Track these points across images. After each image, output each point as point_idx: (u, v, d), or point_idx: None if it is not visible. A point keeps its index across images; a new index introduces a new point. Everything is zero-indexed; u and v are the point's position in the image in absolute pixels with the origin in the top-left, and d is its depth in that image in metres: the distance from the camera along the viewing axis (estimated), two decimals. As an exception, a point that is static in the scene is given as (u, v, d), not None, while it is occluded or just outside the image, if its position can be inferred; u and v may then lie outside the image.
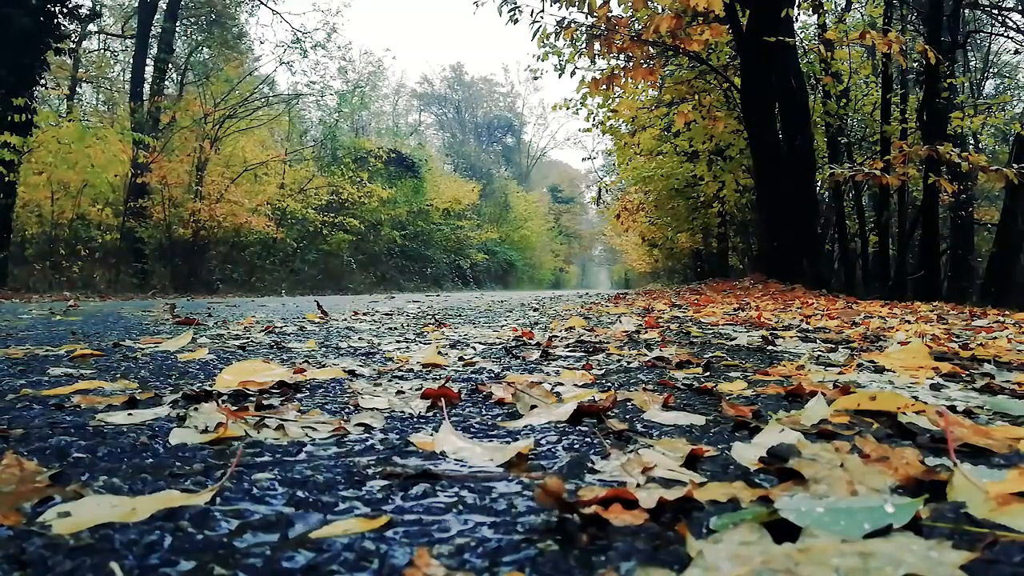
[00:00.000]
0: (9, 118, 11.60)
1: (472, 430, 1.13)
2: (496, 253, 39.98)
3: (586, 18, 9.15)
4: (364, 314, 5.17)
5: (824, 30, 11.94)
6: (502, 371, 1.88)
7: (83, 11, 14.21)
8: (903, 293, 11.49)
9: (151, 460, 0.92)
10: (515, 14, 9.52)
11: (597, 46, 9.11)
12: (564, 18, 9.12)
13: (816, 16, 12.92)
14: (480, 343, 2.73)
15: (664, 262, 29.91)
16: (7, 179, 12.03)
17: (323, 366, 1.94)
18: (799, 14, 13.01)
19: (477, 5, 11.68)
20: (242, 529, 0.66)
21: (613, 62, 10.04)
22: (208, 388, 1.47)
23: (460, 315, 5.22)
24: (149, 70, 20.60)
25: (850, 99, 13.85)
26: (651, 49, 10.05)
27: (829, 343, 2.66)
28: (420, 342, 2.76)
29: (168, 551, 0.60)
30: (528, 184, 57.03)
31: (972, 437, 0.97)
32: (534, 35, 9.43)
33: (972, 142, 18.12)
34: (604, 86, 9.74)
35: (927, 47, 8.76)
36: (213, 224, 19.11)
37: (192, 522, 0.67)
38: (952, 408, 1.25)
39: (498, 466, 0.88)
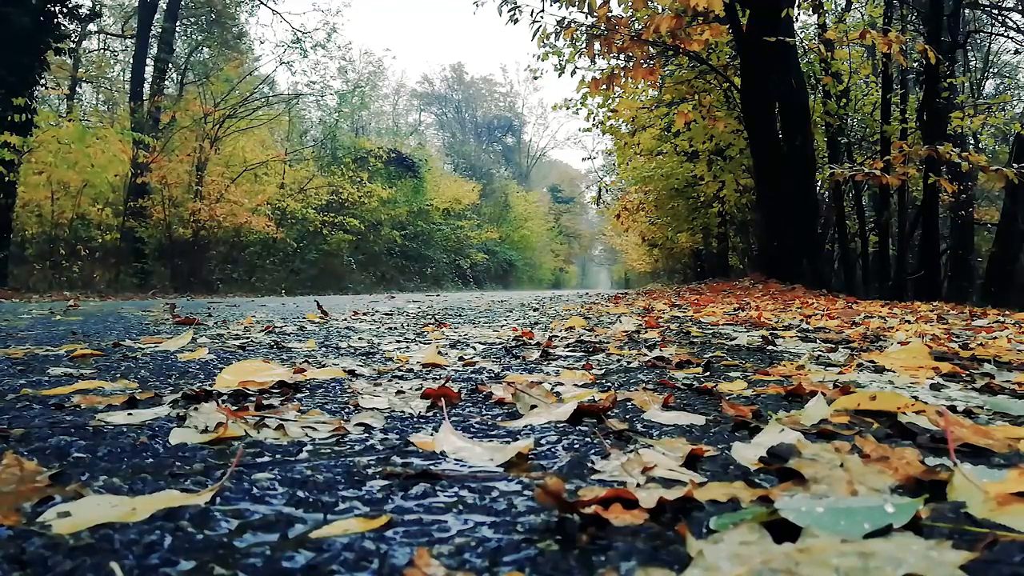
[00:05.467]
0: (9, 118, 11.61)
1: (472, 430, 1.13)
2: (496, 253, 39.98)
3: (586, 18, 9.15)
4: (364, 314, 5.17)
5: (824, 30, 11.94)
6: (502, 371, 1.88)
7: (83, 11, 14.22)
8: (903, 293, 11.50)
9: (151, 460, 0.92)
10: (515, 14, 9.51)
11: (597, 46, 9.10)
12: (564, 18, 9.12)
13: (816, 16, 12.92)
14: (480, 343, 2.73)
15: (664, 262, 29.91)
16: (7, 179, 12.03)
17: (323, 366, 1.94)
18: (799, 14, 13.01)
19: (477, 5, 11.69)
20: (242, 529, 0.66)
21: (613, 62, 10.03)
22: (208, 388, 1.47)
23: (460, 315, 5.22)
24: (149, 70, 20.61)
25: (850, 99, 13.85)
26: (651, 49, 10.05)
27: (829, 343, 2.66)
28: (420, 342, 2.76)
29: (168, 551, 0.60)
30: (528, 184, 57.02)
31: (972, 437, 0.97)
32: (534, 35, 9.42)
33: (972, 142, 18.12)
34: (604, 86, 9.74)
35: (927, 47, 8.76)
36: (213, 224, 19.11)
37: (192, 522, 0.67)
38: (952, 408, 1.25)
39: (498, 466, 0.88)
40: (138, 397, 1.37)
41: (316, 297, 12.94)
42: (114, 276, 16.66)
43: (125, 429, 1.10)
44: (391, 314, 5.22)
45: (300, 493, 0.77)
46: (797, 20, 12.99)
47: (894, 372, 1.78)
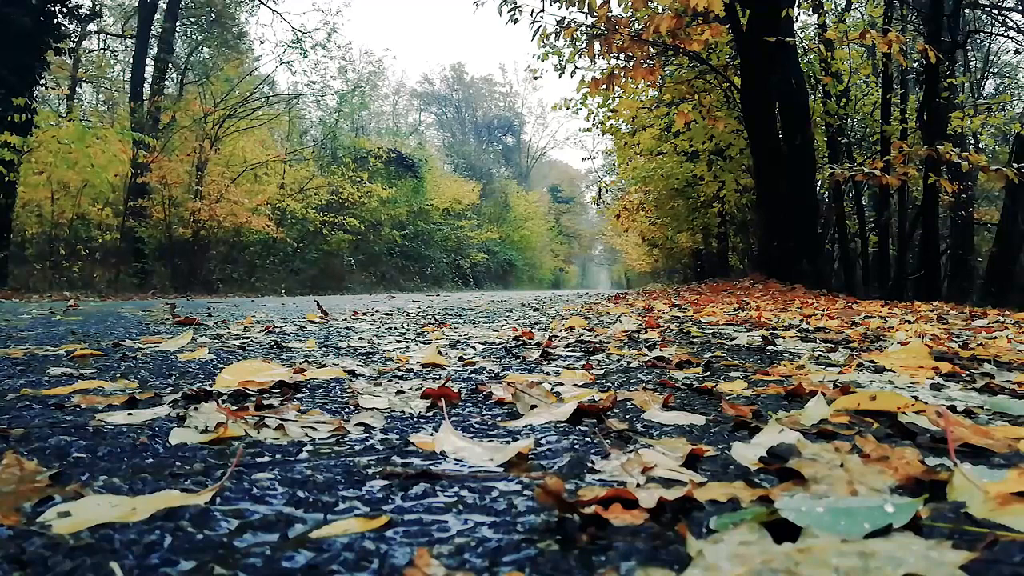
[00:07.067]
0: (9, 118, 11.60)
1: (472, 430, 1.13)
2: (496, 253, 39.97)
3: (586, 18, 9.15)
4: (364, 314, 5.17)
5: (824, 30, 11.94)
6: (502, 371, 1.88)
7: (83, 11, 14.22)
8: (903, 293, 11.49)
9: (151, 460, 0.92)
10: (515, 14, 9.51)
11: (597, 46, 9.10)
12: (564, 18, 9.11)
13: (816, 16, 12.92)
14: (480, 343, 2.73)
15: (664, 262, 29.91)
16: (7, 179, 12.02)
17: (323, 366, 1.94)
18: (799, 14, 13.01)
19: (477, 5, 11.68)
20: (242, 529, 0.66)
21: (613, 62, 10.02)
22: (208, 388, 1.47)
23: (460, 315, 5.22)
24: (149, 70, 20.61)
25: (850, 99, 13.85)
26: (651, 49, 10.04)
27: (829, 343, 2.66)
28: (420, 342, 2.76)
29: (168, 551, 0.60)
30: (528, 184, 56.98)
31: (972, 437, 0.97)
32: (534, 35, 9.42)
33: (972, 142, 18.12)
34: (604, 86, 9.73)
35: (927, 47, 8.76)
36: (213, 224, 19.11)
37: (192, 522, 0.67)
38: (952, 408, 1.25)
39: (498, 466, 0.88)
40: (138, 397, 1.37)
41: (316, 297, 12.94)
42: (114, 276, 16.66)
43: (125, 429, 1.10)
44: (391, 314, 5.22)
45: (300, 493, 0.77)
46: (797, 20, 12.99)
47: (894, 372, 1.78)
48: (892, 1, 12.93)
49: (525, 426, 1.15)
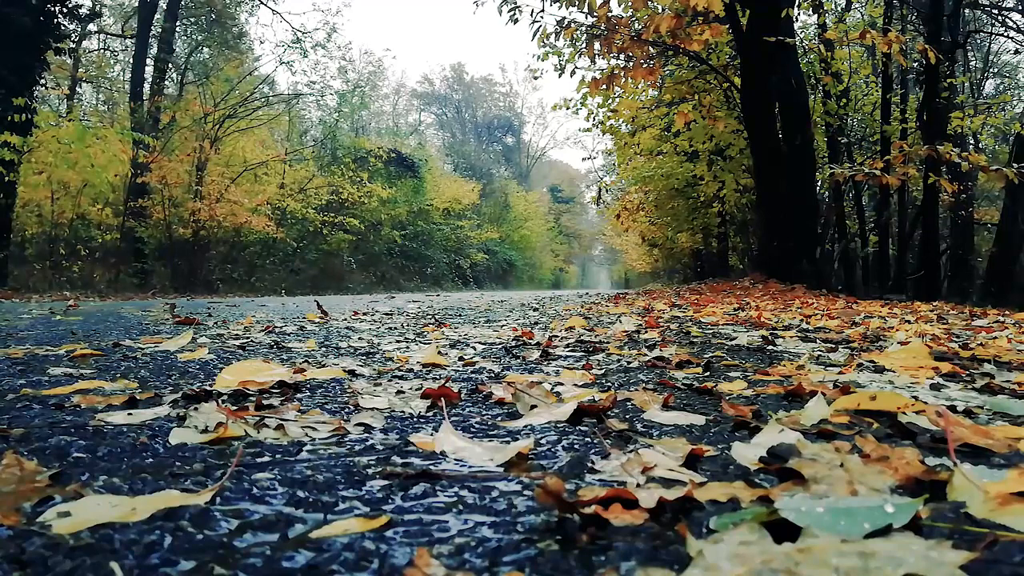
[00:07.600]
0: (9, 118, 11.60)
1: (472, 430, 1.13)
2: (496, 253, 39.98)
3: (586, 18, 9.16)
4: (364, 314, 5.17)
5: (824, 30, 11.95)
6: (502, 371, 1.88)
7: (83, 11, 14.23)
8: (903, 293, 11.49)
9: (151, 460, 0.92)
10: (515, 14, 9.51)
11: (597, 46, 9.10)
12: (564, 18, 9.12)
13: (816, 16, 12.93)
14: (480, 343, 2.73)
15: (664, 262, 29.92)
16: (7, 179, 12.03)
17: (323, 366, 1.94)
18: (799, 14, 13.02)
19: (477, 5, 11.69)
20: (242, 529, 0.66)
21: (613, 62, 10.02)
22: (208, 388, 1.47)
23: (460, 315, 5.22)
24: (149, 70, 20.61)
25: (850, 99, 13.85)
26: (651, 49, 10.05)
27: (829, 343, 2.66)
28: (420, 342, 2.76)
29: (168, 551, 0.60)
30: (528, 184, 56.98)
31: (972, 437, 0.97)
32: (534, 35, 9.42)
33: (972, 142, 18.13)
34: (604, 86, 9.73)
35: (927, 47, 8.76)
36: (213, 224, 19.12)
37: (192, 522, 0.67)
38: (952, 408, 1.25)
39: (498, 466, 0.88)
40: (138, 397, 1.37)
41: (316, 297, 12.94)
42: (114, 276, 16.66)
43: (125, 429, 1.10)
44: (391, 314, 5.22)
45: (300, 493, 0.77)
46: (797, 20, 12.99)
47: (894, 372, 1.78)
48: (892, 1, 12.93)
49: (525, 426, 1.15)
